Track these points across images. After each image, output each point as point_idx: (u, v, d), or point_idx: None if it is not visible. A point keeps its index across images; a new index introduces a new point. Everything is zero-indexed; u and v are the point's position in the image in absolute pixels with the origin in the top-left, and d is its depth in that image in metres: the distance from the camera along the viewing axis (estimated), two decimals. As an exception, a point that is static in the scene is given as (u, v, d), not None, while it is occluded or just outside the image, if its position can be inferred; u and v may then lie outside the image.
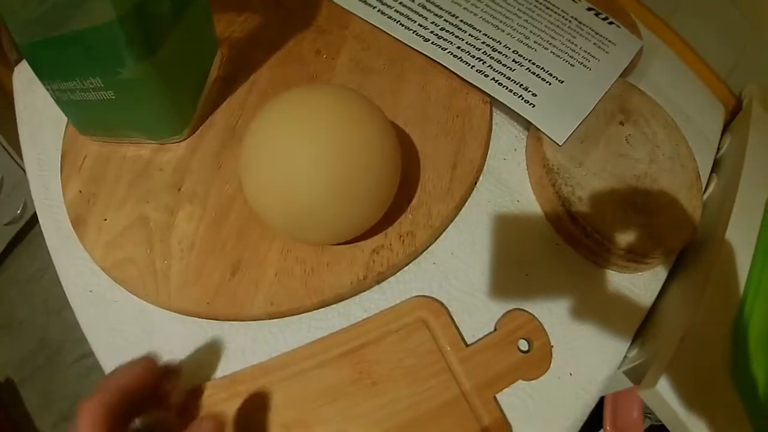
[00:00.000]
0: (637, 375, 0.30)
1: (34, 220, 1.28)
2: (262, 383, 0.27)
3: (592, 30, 0.38)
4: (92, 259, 0.31)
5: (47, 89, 0.32)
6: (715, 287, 0.31)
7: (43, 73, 0.31)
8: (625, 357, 0.31)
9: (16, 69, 0.46)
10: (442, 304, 0.29)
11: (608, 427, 0.37)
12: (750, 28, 0.41)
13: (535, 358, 0.29)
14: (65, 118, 0.38)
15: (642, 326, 0.32)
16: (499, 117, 0.35)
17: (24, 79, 0.44)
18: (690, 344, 0.29)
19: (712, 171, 0.38)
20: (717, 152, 0.39)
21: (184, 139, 0.33)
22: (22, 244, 1.29)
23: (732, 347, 0.30)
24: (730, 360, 0.29)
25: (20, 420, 1.08)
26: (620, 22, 0.40)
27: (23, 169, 1.16)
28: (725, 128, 0.41)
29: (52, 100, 0.36)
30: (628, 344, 0.31)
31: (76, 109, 0.33)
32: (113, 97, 0.30)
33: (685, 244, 0.33)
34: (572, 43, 0.36)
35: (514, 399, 0.28)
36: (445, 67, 0.33)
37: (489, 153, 0.33)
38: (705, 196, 0.37)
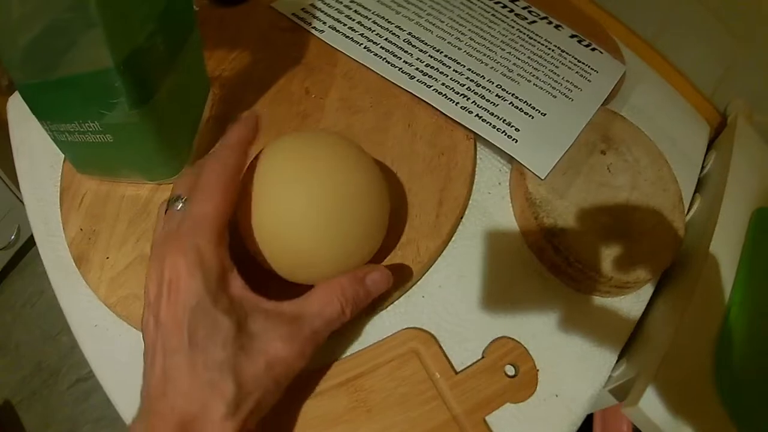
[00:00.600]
0: (623, 393, 0.32)
1: (27, 245, 1.31)
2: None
3: (575, 58, 0.40)
4: (96, 296, 0.33)
5: (45, 129, 0.33)
6: (699, 304, 0.33)
7: (41, 114, 0.32)
8: (611, 376, 0.33)
9: (10, 100, 0.47)
10: (431, 335, 0.31)
11: (597, 441, 0.39)
12: (736, 43, 0.43)
13: (522, 381, 0.31)
14: (59, 153, 0.40)
15: (626, 345, 0.34)
16: (483, 151, 0.37)
17: (18, 111, 0.45)
18: (673, 361, 0.31)
19: (696, 191, 0.40)
20: (701, 171, 0.41)
21: (181, 180, 0.36)
22: (15, 270, 1.33)
23: (715, 363, 0.32)
24: (714, 375, 0.31)
25: (20, 441, 1.11)
26: (603, 46, 0.42)
27: (17, 195, 1.20)
28: (710, 146, 0.43)
29: (47, 135, 0.38)
30: (613, 364, 0.33)
31: (74, 149, 0.34)
32: (111, 141, 0.32)
33: (666, 267, 0.35)
34: (555, 73, 0.38)
35: (502, 421, 0.30)
36: (430, 104, 0.35)
37: (474, 188, 0.35)
38: (689, 216, 0.39)
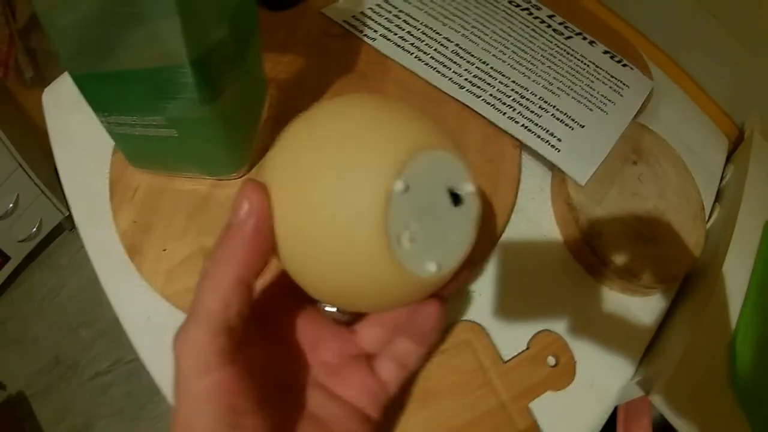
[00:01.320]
0: (648, 385, 0.36)
1: (49, 238, 1.33)
2: None
3: (608, 74, 0.43)
4: (152, 288, 0.34)
5: (100, 120, 0.33)
6: (716, 305, 0.36)
7: (99, 106, 0.32)
8: (637, 369, 0.37)
9: (46, 91, 0.48)
10: (482, 327, 0.34)
11: (621, 436, 0.43)
12: (751, 60, 0.47)
13: (562, 371, 0.35)
14: (107, 145, 0.39)
15: (652, 342, 0.37)
16: (526, 159, 0.40)
17: (56, 101, 0.46)
18: (693, 355, 0.34)
19: (715, 201, 0.44)
20: (720, 182, 0.46)
21: (242, 176, 0.37)
22: (35, 262, 1.33)
23: (730, 359, 0.36)
24: (729, 370, 0.35)
25: (32, 432, 1.11)
26: (632, 62, 0.46)
27: (39, 188, 1.20)
28: (728, 158, 0.47)
29: (93, 127, 0.37)
30: (640, 357, 0.36)
31: (131, 142, 0.35)
32: (176, 135, 0.32)
33: (689, 270, 0.39)
34: (591, 87, 0.42)
35: (543, 407, 0.33)
36: (479, 113, 0.39)
37: (519, 193, 0.38)
38: (708, 225, 0.43)
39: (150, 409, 1.12)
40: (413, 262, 0.19)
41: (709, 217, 0.43)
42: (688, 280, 0.40)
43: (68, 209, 1.33)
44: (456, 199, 0.20)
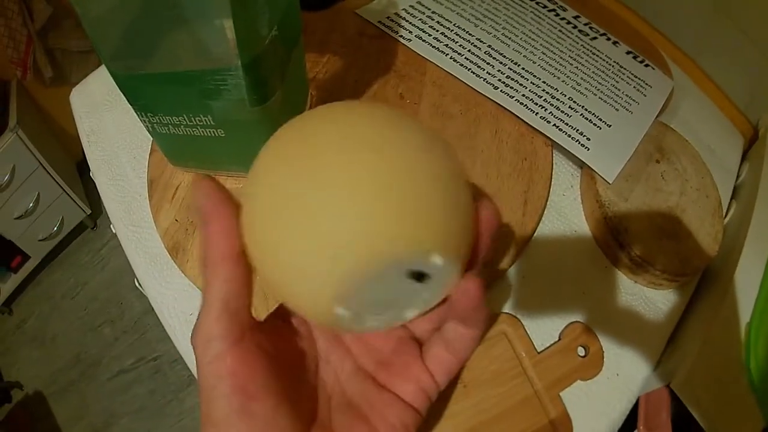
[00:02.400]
0: (669, 374, 0.38)
1: (70, 236, 1.34)
2: None
3: (632, 74, 0.45)
4: (195, 285, 0.35)
5: (142, 120, 0.33)
6: (733, 298, 0.38)
7: (143, 106, 0.32)
8: (659, 359, 0.39)
9: (74, 91, 0.48)
10: (518, 318, 0.36)
11: (641, 427, 0.45)
12: (764, 58, 0.48)
13: (591, 361, 0.37)
14: (143, 144, 0.40)
15: (673, 334, 0.39)
16: (557, 157, 0.41)
17: (85, 101, 0.47)
18: (711, 346, 0.36)
19: (732, 197, 0.46)
20: (737, 179, 0.47)
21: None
22: (56, 261, 1.34)
23: (746, 350, 0.38)
24: (745, 361, 0.37)
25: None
26: (654, 62, 0.47)
27: (61, 187, 1.20)
28: (743, 156, 0.49)
29: (127, 126, 0.38)
30: (663, 348, 0.38)
31: (174, 141, 0.35)
32: (223, 135, 0.33)
33: (708, 264, 0.41)
34: (616, 87, 0.43)
35: (573, 396, 0.35)
36: (513, 113, 0.40)
37: (551, 190, 0.40)
38: (726, 220, 0.44)
39: (173, 406, 1.12)
40: (383, 322, 0.20)
41: (726, 213, 0.45)
42: (706, 274, 0.42)
43: (90, 208, 1.34)
44: (419, 276, 0.18)
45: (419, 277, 0.18)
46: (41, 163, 1.13)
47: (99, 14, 0.27)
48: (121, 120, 0.45)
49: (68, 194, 1.25)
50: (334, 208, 0.17)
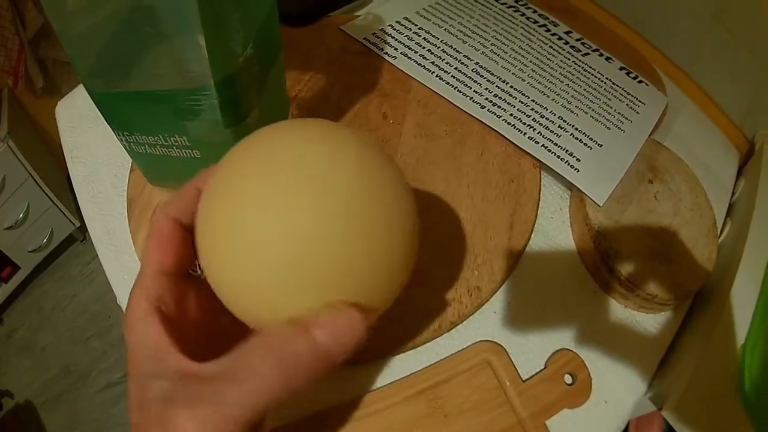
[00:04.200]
0: (660, 400, 0.37)
1: (60, 248, 1.34)
2: (348, 419, 0.33)
3: (625, 90, 0.44)
4: None
5: (119, 139, 0.32)
6: (726, 321, 0.37)
7: (120, 125, 0.32)
8: (650, 385, 0.38)
9: (59, 105, 0.48)
10: (502, 347, 0.35)
11: (632, 450, 0.44)
12: (761, 72, 0.47)
13: (578, 389, 0.36)
14: (125, 161, 0.40)
15: (664, 357, 0.39)
16: (545, 179, 0.41)
17: (69, 116, 0.46)
18: (704, 370, 0.35)
19: (727, 215, 0.45)
20: (732, 197, 0.46)
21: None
22: (46, 272, 1.35)
23: (740, 373, 0.37)
24: (739, 384, 0.36)
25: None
26: (647, 77, 0.46)
27: (50, 199, 1.20)
28: (739, 172, 0.48)
29: (109, 142, 0.36)
30: (653, 373, 0.37)
31: (152, 161, 0.34)
32: (198, 156, 0.32)
33: (701, 286, 0.40)
34: (608, 105, 0.42)
35: (559, 424, 0.34)
36: (500, 133, 0.39)
37: (538, 212, 0.39)
38: (721, 239, 0.43)
39: (161, 421, 1.12)
40: None
41: (721, 232, 0.44)
42: (699, 295, 0.41)
43: (80, 220, 1.34)
44: None
45: None
46: (31, 174, 1.13)
47: (78, 31, 0.26)
48: (103, 137, 0.44)
49: (57, 206, 1.25)
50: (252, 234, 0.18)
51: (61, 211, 1.27)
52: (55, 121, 0.46)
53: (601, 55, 0.45)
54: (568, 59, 0.44)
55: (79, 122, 0.46)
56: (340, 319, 0.19)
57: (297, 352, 0.18)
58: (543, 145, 0.39)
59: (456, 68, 0.42)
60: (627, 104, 0.43)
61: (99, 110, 0.30)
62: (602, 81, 0.44)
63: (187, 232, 0.23)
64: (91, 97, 0.30)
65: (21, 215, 1.15)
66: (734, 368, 0.37)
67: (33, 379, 1.20)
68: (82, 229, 1.37)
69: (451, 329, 0.35)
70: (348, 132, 0.21)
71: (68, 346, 1.22)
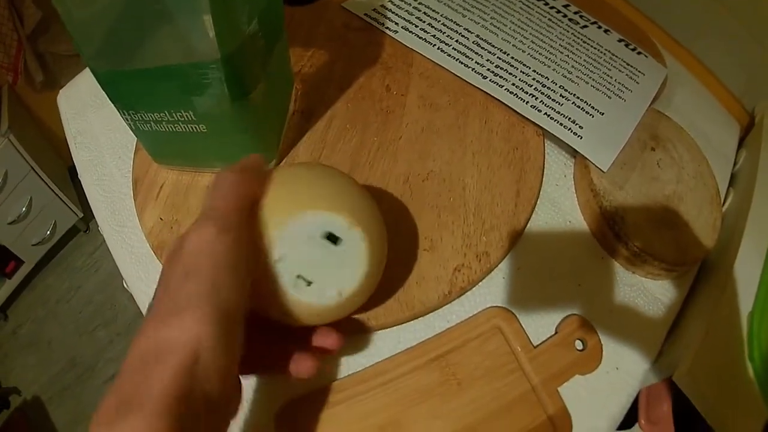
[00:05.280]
0: (670, 367, 0.37)
1: (63, 240, 1.33)
2: (360, 390, 0.32)
3: (624, 61, 0.44)
4: None
5: (124, 118, 0.33)
6: (733, 288, 0.37)
7: (125, 104, 0.32)
8: (660, 351, 0.38)
9: (61, 93, 0.48)
10: (512, 312, 0.35)
11: (643, 421, 0.44)
12: (760, 49, 0.47)
13: (589, 355, 0.35)
14: (129, 144, 0.40)
15: (673, 326, 0.38)
16: (549, 146, 0.40)
17: (72, 103, 0.46)
18: (713, 337, 0.35)
19: (729, 185, 0.45)
20: (733, 167, 0.46)
21: (271, 170, 0.38)
22: (50, 265, 1.34)
23: (748, 339, 0.36)
24: (748, 350, 0.36)
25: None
26: (646, 50, 0.46)
27: (53, 191, 1.20)
28: (740, 144, 0.48)
29: (112, 126, 0.37)
30: (663, 340, 0.37)
31: (156, 139, 0.35)
32: (204, 131, 0.32)
33: (707, 254, 0.40)
34: (608, 75, 0.42)
35: (571, 391, 0.34)
36: (503, 102, 0.39)
37: (543, 180, 0.39)
38: (724, 209, 0.43)
39: (168, 408, 1.12)
40: (314, 295, 0.26)
41: (724, 201, 0.44)
42: (705, 263, 0.41)
43: (82, 211, 1.35)
44: (334, 239, 0.26)
45: (333, 239, 0.25)
46: (33, 168, 1.13)
47: (83, 13, 0.26)
48: (107, 120, 0.44)
49: (60, 198, 1.25)
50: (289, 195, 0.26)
51: (64, 202, 1.26)
52: (55, 114, 0.47)
53: (599, 27, 0.45)
54: (567, 31, 0.44)
55: (82, 108, 0.46)
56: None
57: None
58: (546, 114, 0.39)
59: (457, 41, 0.42)
60: (627, 74, 0.43)
61: (104, 90, 0.31)
62: (601, 52, 0.44)
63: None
64: (96, 78, 0.30)
65: (24, 209, 1.15)
66: (742, 336, 0.37)
67: (39, 374, 1.19)
68: (85, 219, 1.36)
69: (461, 295, 0.35)
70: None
71: (74, 339, 1.21)
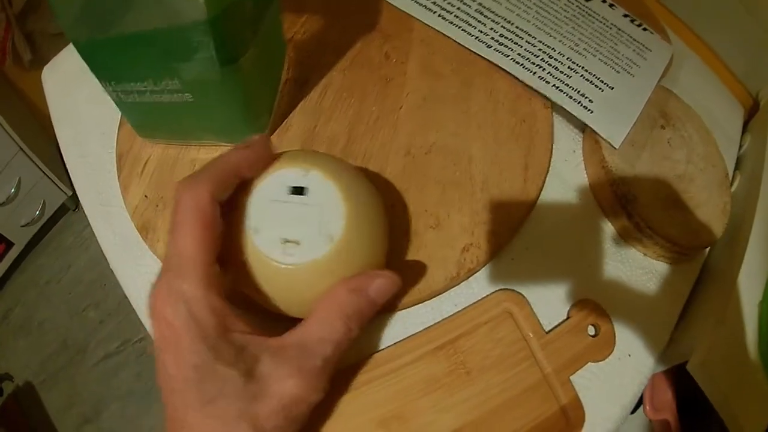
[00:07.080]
0: (681, 355, 0.35)
1: (53, 220, 1.30)
2: (361, 381, 0.30)
3: (630, 37, 0.42)
4: None
5: (107, 90, 0.31)
6: (745, 273, 0.35)
7: (106, 75, 0.30)
8: (671, 337, 0.36)
9: (45, 70, 0.46)
10: (523, 296, 0.32)
11: (647, 407, 0.42)
12: (762, 33, 0.46)
13: (602, 341, 0.33)
14: (113, 120, 0.38)
15: (682, 312, 0.36)
16: (557, 120, 0.38)
17: (56, 79, 0.44)
18: (725, 327, 0.33)
19: (735, 168, 0.43)
20: (739, 150, 0.45)
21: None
22: (40, 245, 1.31)
23: (759, 328, 0.35)
24: (758, 341, 0.34)
25: (40, 423, 1.08)
26: (651, 26, 0.44)
27: (42, 170, 1.17)
28: (744, 127, 0.47)
29: (97, 102, 0.35)
30: (674, 325, 0.35)
31: (141, 111, 0.33)
32: (191, 100, 0.30)
33: (718, 237, 0.38)
34: (615, 50, 0.40)
35: (584, 380, 0.31)
36: (508, 72, 0.37)
37: (552, 155, 0.36)
38: (731, 191, 0.42)
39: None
40: (308, 251, 0.24)
41: (731, 184, 0.42)
42: (715, 248, 0.39)
43: (72, 189, 1.32)
44: (299, 190, 0.25)
45: (299, 190, 0.25)
46: (21, 148, 1.09)
47: None
48: (90, 96, 0.41)
49: (49, 177, 1.21)
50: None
51: (53, 180, 1.23)
52: (43, 92, 0.45)
53: (604, 1, 0.43)
54: (572, 3, 0.41)
55: (65, 85, 0.43)
56: (383, 279, 0.26)
57: (359, 306, 0.25)
58: (554, 86, 0.36)
59: (458, 8, 0.39)
60: (634, 50, 0.41)
61: (86, 62, 0.29)
62: (608, 26, 0.41)
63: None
64: (77, 49, 0.28)
65: (12, 190, 1.12)
66: (754, 321, 0.35)
67: (31, 358, 1.16)
68: (74, 197, 1.33)
69: (469, 276, 0.32)
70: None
71: (65, 320, 1.19)
